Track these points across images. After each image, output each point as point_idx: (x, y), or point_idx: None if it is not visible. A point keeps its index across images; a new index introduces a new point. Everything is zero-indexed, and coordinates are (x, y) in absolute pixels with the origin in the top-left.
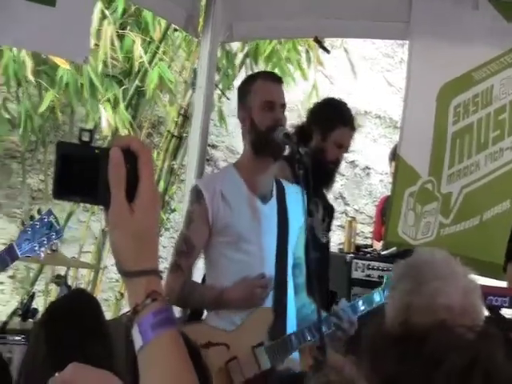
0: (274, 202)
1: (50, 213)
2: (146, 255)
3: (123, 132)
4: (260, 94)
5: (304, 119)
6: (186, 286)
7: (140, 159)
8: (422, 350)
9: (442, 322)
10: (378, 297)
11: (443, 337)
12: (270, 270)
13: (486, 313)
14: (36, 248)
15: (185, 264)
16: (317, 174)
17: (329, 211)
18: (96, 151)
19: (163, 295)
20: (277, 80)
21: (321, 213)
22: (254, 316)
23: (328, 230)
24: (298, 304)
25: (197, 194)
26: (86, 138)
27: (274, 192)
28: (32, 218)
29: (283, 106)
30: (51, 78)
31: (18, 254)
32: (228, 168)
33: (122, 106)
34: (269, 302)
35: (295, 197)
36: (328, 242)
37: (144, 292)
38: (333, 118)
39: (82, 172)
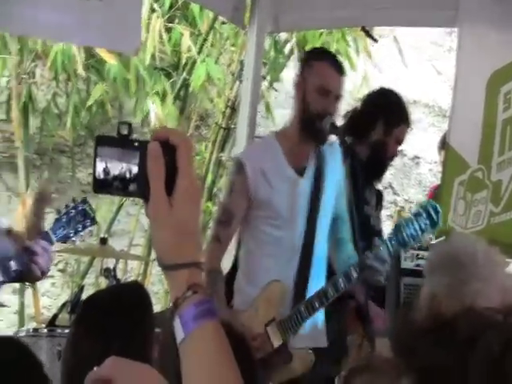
0: (310, 173)
1: (84, 201)
2: (187, 248)
3: (171, 125)
4: (319, 77)
5: (358, 107)
6: (212, 274)
7: (179, 151)
8: (454, 336)
9: (470, 308)
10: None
11: (475, 320)
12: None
13: None
14: (71, 235)
15: (223, 234)
16: (374, 166)
17: (379, 198)
18: (135, 144)
19: (204, 287)
20: (339, 70)
21: (374, 200)
22: (266, 292)
23: (379, 217)
24: (343, 256)
25: (238, 167)
26: (124, 131)
27: (313, 162)
28: (67, 206)
29: (338, 97)
30: (99, 72)
31: (54, 239)
32: (270, 141)
33: (170, 98)
34: (292, 272)
35: (332, 156)
36: (381, 230)
37: (185, 285)
38: (399, 114)
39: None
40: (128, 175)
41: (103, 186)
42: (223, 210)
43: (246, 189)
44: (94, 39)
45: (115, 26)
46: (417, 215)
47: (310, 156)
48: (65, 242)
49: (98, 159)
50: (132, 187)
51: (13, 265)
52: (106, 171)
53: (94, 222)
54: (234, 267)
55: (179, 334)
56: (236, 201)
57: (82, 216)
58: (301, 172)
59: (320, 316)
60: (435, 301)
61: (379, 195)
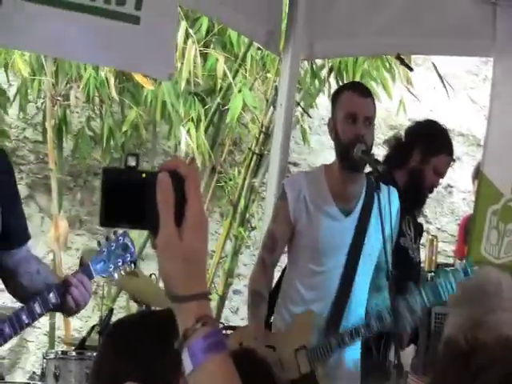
0: (356, 214)
1: (125, 234)
2: (196, 279)
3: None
4: (344, 106)
5: (398, 135)
6: (255, 296)
7: (187, 181)
8: (472, 363)
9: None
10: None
11: (493, 351)
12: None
13: None
14: (111, 269)
15: (268, 259)
16: (411, 194)
17: (419, 231)
18: (143, 175)
19: (213, 319)
20: (363, 92)
21: (412, 232)
22: (299, 320)
23: (419, 249)
24: (376, 301)
25: (282, 192)
26: (132, 162)
27: (361, 201)
28: (108, 238)
29: (368, 118)
30: (133, 96)
31: (93, 274)
32: (317, 172)
33: (202, 128)
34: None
35: (386, 200)
36: (420, 262)
37: (194, 316)
38: (438, 143)
39: (129, 198)
40: (136, 207)
41: (111, 219)
42: (268, 234)
43: (287, 215)
44: (128, 63)
45: (149, 52)
46: (455, 272)
47: (359, 196)
48: (104, 277)
49: (105, 192)
50: (140, 220)
51: (52, 297)
52: (113, 204)
53: (134, 256)
54: (277, 286)
55: (188, 365)
56: (279, 226)
57: (123, 250)
58: (346, 210)
59: (354, 354)
60: (461, 331)
61: (419, 227)
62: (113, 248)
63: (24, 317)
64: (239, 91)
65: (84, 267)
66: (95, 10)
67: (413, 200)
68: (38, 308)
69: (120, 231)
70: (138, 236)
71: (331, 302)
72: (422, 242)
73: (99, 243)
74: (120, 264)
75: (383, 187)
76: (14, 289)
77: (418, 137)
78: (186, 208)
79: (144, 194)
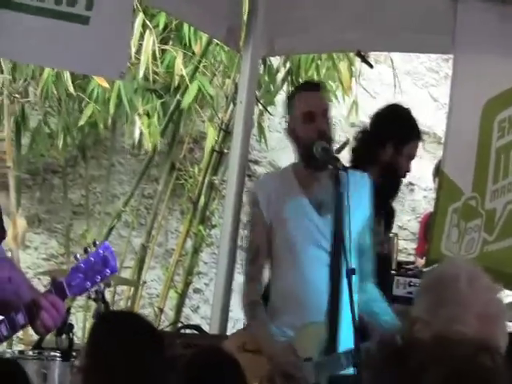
0: (330, 208)
1: (106, 246)
2: None
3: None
4: (300, 106)
5: (364, 129)
6: (250, 305)
7: None
8: (407, 363)
9: (442, 338)
10: None
11: (429, 351)
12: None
13: None
14: (88, 286)
15: (252, 271)
16: (387, 188)
17: (390, 218)
18: None
19: None
20: (315, 88)
21: (383, 226)
22: (306, 330)
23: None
24: (364, 296)
25: (254, 200)
26: None
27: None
28: (86, 250)
29: (325, 112)
30: (90, 92)
31: (68, 294)
32: (285, 171)
33: (155, 119)
34: (322, 314)
35: (357, 188)
36: (390, 252)
37: None
38: (408, 131)
39: None
40: None
41: None
42: (249, 247)
43: (264, 221)
44: (78, 65)
45: (99, 52)
46: None
47: (327, 187)
48: (79, 295)
49: None
50: None
51: (20, 318)
52: None
53: (114, 269)
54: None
55: None
56: (258, 235)
57: (103, 264)
58: (319, 205)
59: None
60: (414, 323)
61: (390, 213)
62: (92, 262)
63: None
64: (195, 79)
65: (56, 286)
66: (45, 12)
67: (389, 192)
68: (4, 330)
69: (99, 241)
70: (97, 235)
71: (326, 308)
72: None
73: (76, 257)
74: (98, 280)
75: (351, 178)
76: None
77: (387, 130)
78: None
79: None
